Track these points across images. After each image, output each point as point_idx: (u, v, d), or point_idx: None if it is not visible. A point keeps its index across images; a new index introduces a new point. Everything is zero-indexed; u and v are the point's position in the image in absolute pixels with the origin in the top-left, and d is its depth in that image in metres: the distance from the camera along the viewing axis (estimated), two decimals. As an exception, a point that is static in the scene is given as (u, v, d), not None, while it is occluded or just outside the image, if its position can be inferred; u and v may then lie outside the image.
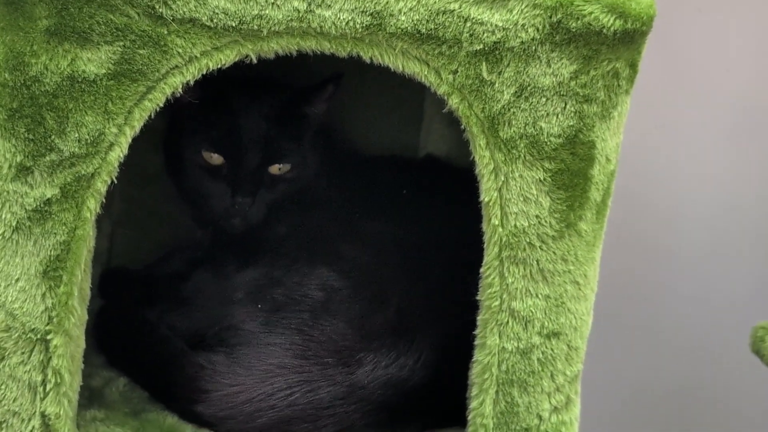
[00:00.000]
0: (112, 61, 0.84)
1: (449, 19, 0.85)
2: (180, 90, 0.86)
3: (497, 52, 0.86)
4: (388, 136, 1.28)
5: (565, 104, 0.88)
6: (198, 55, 0.85)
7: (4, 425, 0.89)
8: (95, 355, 1.07)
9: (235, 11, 0.83)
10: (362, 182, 1.17)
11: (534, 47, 0.86)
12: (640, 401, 1.56)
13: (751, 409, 1.52)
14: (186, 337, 1.05)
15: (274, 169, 1.09)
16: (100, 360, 1.08)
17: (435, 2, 0.85)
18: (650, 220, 1.51)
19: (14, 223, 0.86)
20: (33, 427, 0.89)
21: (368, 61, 0.88)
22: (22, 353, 0.88)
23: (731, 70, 1.45)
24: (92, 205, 0.86)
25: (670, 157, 1.48)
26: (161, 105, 0.87)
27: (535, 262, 0.91)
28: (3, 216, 0.86)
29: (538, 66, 0.87)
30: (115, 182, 0.88)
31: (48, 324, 0.88)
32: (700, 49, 1.45)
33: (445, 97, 0.88)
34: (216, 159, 1.07)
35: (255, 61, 0.87)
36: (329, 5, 0.84)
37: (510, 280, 0.91)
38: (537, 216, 0.90)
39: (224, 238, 1.12)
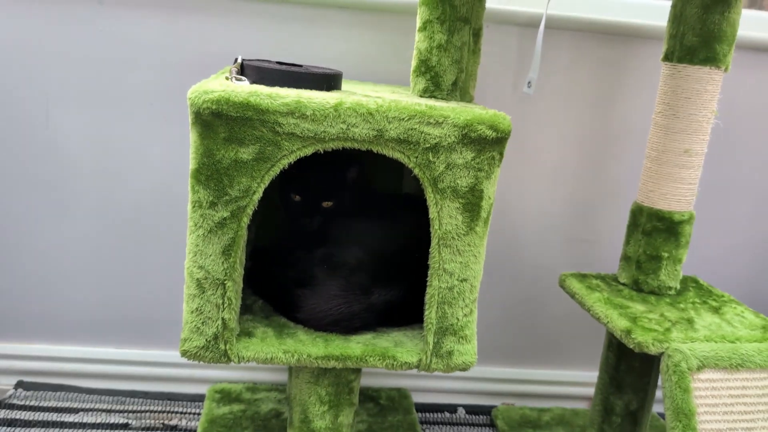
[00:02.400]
0: (254, 153, 0.89)
1: (413, 133, 0.90)
2: (286, 166, 0.90)
3: (436, 148, 0.91)
4: (389, 185, 1.29)
5: (469, 172, 0.93)
6: (295, 150, 0.89)
7: (204, 324, 0.94)
8: (248, 289, 1.09)
9: (313, 129, 0.88)
10: (375, 207, 1.17)
11: (454, 145, 0.91)
12: (498, 310, 1.56)
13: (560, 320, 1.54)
14: (291, 280, 1.07)
15: (326, 204, 1.10)
16: (250, 291, 1.11)
17: (407, 125, 0.89)
18: (501, 227, 1.50)
19: (209, 229, 0.91)
20: (218, 325, 0.94)
21: (376, 151, 0.92)
22: (213, 289, 0.93)
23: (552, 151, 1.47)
24: (245, 221, 0.91)
25: (513, 194, 1.49)
26: (277, 173, 0.90)
27: (455, 245, 0.95)
28: (204, 225, 0.91)
29: (456, 154, 0.92)
30: (257, 209, 0.92)
31: (225, 275, 0.93)
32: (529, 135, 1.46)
33: (413, 169, 0.93)
34: (297, 198, 1.10)
35: (322, 152, 0.91)
36: (357, 125, 0.89)
37: (443, 254, 0.95)
38: (455, 224, 0.94)
39: (307, 234, 1.13)
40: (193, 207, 0.91)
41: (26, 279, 1.43)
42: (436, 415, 1.52)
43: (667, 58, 1.16)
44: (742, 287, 1.57)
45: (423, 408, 1.52)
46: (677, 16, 1.14)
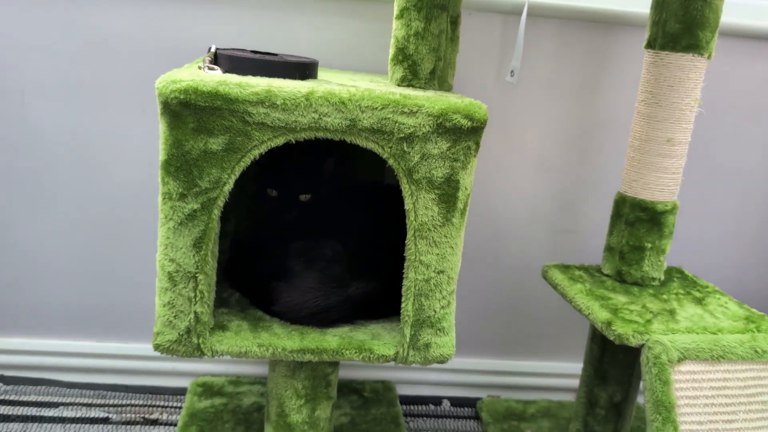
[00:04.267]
0: (224, 143, 0.87)
1: (387, 123, 0.88)
2: (257, 156, 0.88)
3: (411, 138, 0.89)
4: (371, 175, 1.26)
5: (445, 162, 0.91)
6: (266, 140, 0.88)
7: (176, 318, 0.93)
8: (225, 282, 1.10)
9: (283, 119, 0.87)
10: (354, 198, 1.15)
11: (429, 135, 0.89)
12: (483, 302, 1.54)
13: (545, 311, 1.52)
14: (268, 273, 1.06)
15: (303, 197, 1.07)
16: (227, 284, 1.10)
17: (380, 114, 0.88)
18: (484, 218, 1.48)
19: (179, 221, 0.89)
20: (190, 318, 0.92)
21: (350, 141, 0.90)
22: (185, 282, 0.92)
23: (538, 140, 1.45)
24: (216, 213, 0.89)
25: (496, 184, 1.47)
26: (248, 163, 0.89)
27: (431, 237, 0.94)
28: (174, 217, 0.89)
29: (431, 144, 0.90)
30: (228, 201, 0.89)
31: (196, 268, 0.91)
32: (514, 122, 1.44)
33: (387, 160, 0.91)
34: (273, 193, 1.07)
35: (294, 142, 0.89)
36: (329, 115, 0.87)
37: (419, 246, 0.94)
38: (431, 216, 0.93)
39: (284, 226, 1.10)
40: (163, 199, 0.89)
41: (5, 273, 1.42)
42: (420, 407, 1.50)
43: (650, 45, 1.15)
44: (727, 277, 1.56)
45: (407, 400, 1.51)
46: (660, 3, 1.12)
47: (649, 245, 1.19)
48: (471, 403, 1.54)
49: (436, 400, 1.53)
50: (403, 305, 0.97)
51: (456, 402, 1.53)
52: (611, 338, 1.03)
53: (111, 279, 1.43)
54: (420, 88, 1.03)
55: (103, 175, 1.37)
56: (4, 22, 1.27)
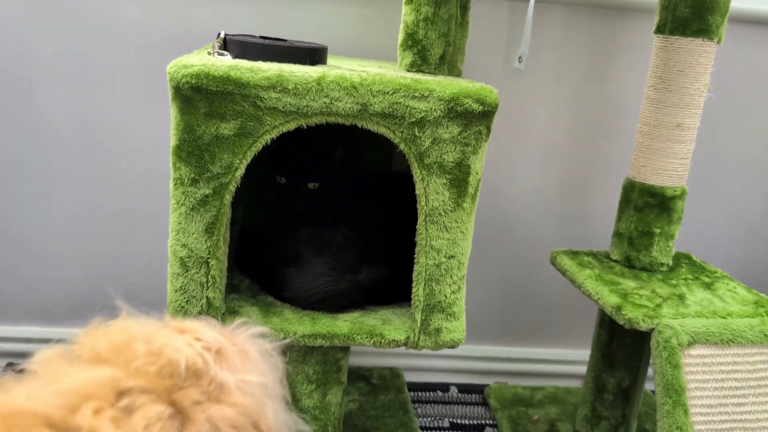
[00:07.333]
0: (236, 128, 0.87)
1: (398, 107, 0.88)
2: (269, 142, 0.89)
3: (422, 122, 0.89)
4: (379, 163, 1.27)
5: (456, 147, 0.91)
6: (277, 125, 0.88)
7: (189, 303, 0.93)
8: (235, 268, 1.10)
9: (295, 103, 0.87)
10: (363, 185, 1.15)
11: (440, 119, 0.89)
12: (490, 288, 1.54)
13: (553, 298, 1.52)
14: (278, 259, 1.06)
15: (311, 185, 1.07)
16: (237, 271, 1.10)
17: (391, 98, 0.88)
18: (493, 204, 1.48)
19: (191, 206, 0.90)
20: (202, 304, 0.93)
21: (361, 126, 0.90)
22: (197, 268, 0.92)
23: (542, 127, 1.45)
24: (228, 198, 0.90)
25: (504, 170, 1.47)
26: (260, 148, 0.89)
27: (442, 222, 0.94)
28: (186, 202, 0.89)
29: (442, 129, 0.90)
30: (239, 186, 0.90)
31: (208, 254, 0.92)
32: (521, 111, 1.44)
33: (398, 144, 0.91)
34: (282, 180, 1.07)
35: (305, 127, 0.89)
36: (341, 99, 0.88)
37: (430, 231, 0.94)
38: (442, 201, 0.93)
39: (294, 213, 1.10)
40: (175, 184, 0.89)
41: (14, 261, 1.42)
42: (428, 393, 1.51)
43: (659, 30, 1.14)
44: (735, 263, 1.56)
45: (415, 387, 1.52)
46: (669, -13, 1.12)
47: (658, 231, 1.19)
48: (478, 389, 1.54)
49: (444, 387, 1.54)
50: (414, 290, 0.97)
51: (463, 388, 1.54)
52: (621, 323, 1.03)
53: (119, 266, 1.44)
54: (429, 73, 1.02)
55: (111, 162, 1.37)
56: (11, 9, 1.27)
